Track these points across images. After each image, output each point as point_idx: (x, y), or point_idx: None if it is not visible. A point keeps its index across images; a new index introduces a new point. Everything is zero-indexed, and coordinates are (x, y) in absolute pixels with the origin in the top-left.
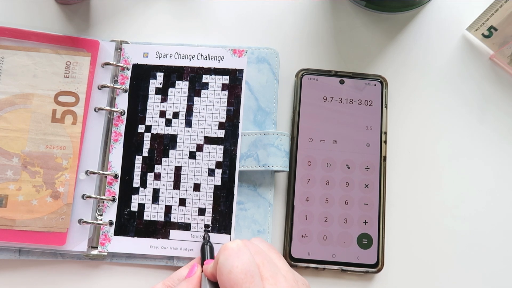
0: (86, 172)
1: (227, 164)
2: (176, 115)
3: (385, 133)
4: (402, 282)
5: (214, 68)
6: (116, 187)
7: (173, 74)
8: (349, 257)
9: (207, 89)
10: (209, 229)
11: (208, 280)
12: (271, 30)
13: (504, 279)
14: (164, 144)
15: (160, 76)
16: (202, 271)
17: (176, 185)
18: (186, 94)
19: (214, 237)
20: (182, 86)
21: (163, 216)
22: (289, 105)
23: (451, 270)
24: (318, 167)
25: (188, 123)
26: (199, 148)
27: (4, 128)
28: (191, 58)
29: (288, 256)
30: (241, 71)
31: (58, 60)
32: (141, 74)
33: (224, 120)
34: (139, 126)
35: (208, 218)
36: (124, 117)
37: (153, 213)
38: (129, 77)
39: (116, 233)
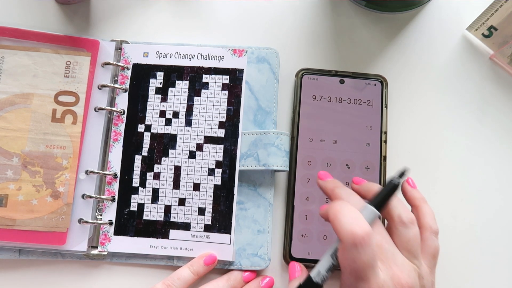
0: (86, 172)
1: (227, 164)
2: (176, 114)
3: (385, 133)
4: None
5: (214, 67)
6: (115, 186)
7: (173, 73)
8: None
9: (207, 89)
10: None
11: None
12: (271, 30)
13: (505, 278)
14: (164, 144)
15: (160, 75)
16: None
17: (176, 184)
18: (186, 94)
19: (214, 237)
20: (182, 86)
21: (163, 216)
22: (289, 105)
23: (451, 269)
24: (318, 167)
25: (188, 123)
26: (199, 147)
27: (4, 128)
28: (191, 57)
29: (288, 256)
30: (241, 71)
31: (58, 60)
32: (141, 74)
33: (224, 120)
34: (139, 125)
35: (208, 218)
36: (124, 116)
37: (153, 213)
38: (129, 77)
39: (116, 232)
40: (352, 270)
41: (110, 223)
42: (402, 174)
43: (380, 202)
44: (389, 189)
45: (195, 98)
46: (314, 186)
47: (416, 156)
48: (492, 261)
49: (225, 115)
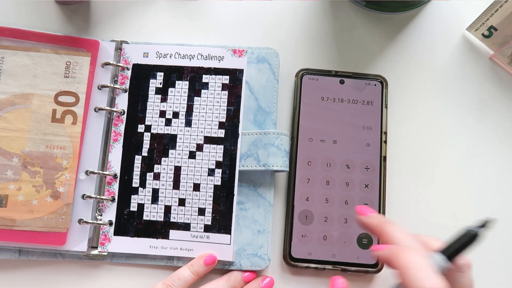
0: (86, 172)
1: (227, 164)
2: (176, 114)
3: (385, 133)
4: None
5: (214, 68)
6: (115, 187)
7: (173, 74)
8: (349, 257)
9: (207, 89)
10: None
11: None
12: (271, 30)
13: (504, 278)
14: (164, 144)
15: (160, 76)
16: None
17: (176, 185)
18: (186, 94)
19: (214, 237)
20: (182, 86)
21: (163, 216)
22: (289, 105)
23: None
24: (318, 167)
25: (188, 123)
26: (199, 147)
27: (4, 128)
28: (191, 58)
29: (288, 256)
30: (241, 71)
31: (58, 60)
32: (141, 74)
33: (224, 120)
34: (139, 126)
35: (208, 218)
36: (124, 117)
37: (153, 213)
38: (129, 77)
39: (116, 233)
40: None
41: (110, 223)
42: (484, 225)
43: (454, 253)
44: (467, 239)
45: (195, 98)
46: (314, 186)
47: (416, 156)
48: (491, 260)
49: (225, 115)
